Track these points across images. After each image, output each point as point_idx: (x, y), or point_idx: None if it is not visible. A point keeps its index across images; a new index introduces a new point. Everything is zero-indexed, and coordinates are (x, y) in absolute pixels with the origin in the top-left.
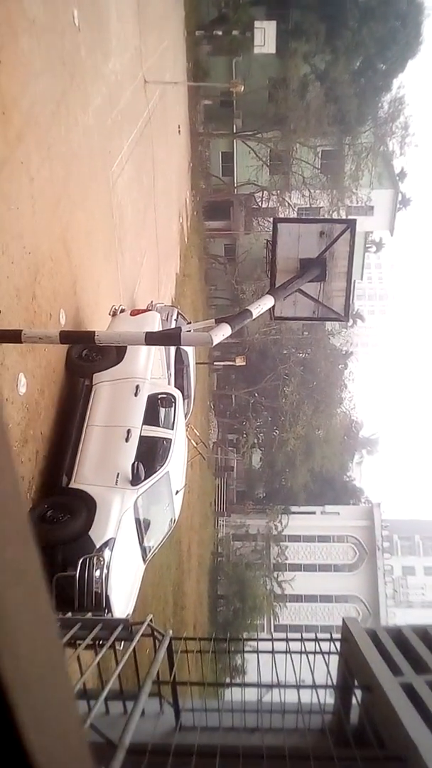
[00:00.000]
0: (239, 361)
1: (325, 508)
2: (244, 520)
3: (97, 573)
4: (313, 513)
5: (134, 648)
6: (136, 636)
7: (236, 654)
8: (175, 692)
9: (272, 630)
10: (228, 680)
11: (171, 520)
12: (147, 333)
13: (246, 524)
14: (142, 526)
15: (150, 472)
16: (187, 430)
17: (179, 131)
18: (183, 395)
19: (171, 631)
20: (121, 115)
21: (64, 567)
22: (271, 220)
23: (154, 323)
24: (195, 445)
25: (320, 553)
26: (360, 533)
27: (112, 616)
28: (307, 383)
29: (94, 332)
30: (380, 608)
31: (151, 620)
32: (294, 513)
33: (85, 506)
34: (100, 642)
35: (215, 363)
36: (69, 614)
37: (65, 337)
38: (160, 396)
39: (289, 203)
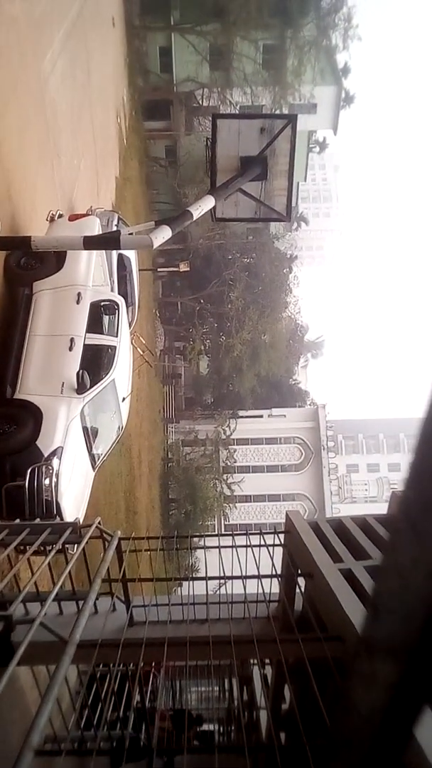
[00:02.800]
0: (183, 267)
1: (272, 412)
2: (193, 426)
3: (47, 481)
4: (260, 417)
5: (84, 550)
6: (84, 537)
7: (186, 552)
8: (126, 589)
9: (222, 529)
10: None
11: (119, 427)
12: (85, 237)
13: (195, 430)
14: (90, 434)
15: (95, 380)
16: (132, 338)
17: (113, 24)
18: (127, 302)
19: (119, 532)
20: (50, 5)
21: (14, 477)
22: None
23: (94, 228)
24: (141, 353)
25: (268, 454)
26: (306, 434)
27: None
28: (252, 288)
29: (30, 237)
30: (325, 505)
31: (99, 523)
32: (242, 417)
33: (31, 416)
34: (51, 547)
35: (159, 270)
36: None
37: (0, 243)
38: (102, 303)
39: (230, 101)
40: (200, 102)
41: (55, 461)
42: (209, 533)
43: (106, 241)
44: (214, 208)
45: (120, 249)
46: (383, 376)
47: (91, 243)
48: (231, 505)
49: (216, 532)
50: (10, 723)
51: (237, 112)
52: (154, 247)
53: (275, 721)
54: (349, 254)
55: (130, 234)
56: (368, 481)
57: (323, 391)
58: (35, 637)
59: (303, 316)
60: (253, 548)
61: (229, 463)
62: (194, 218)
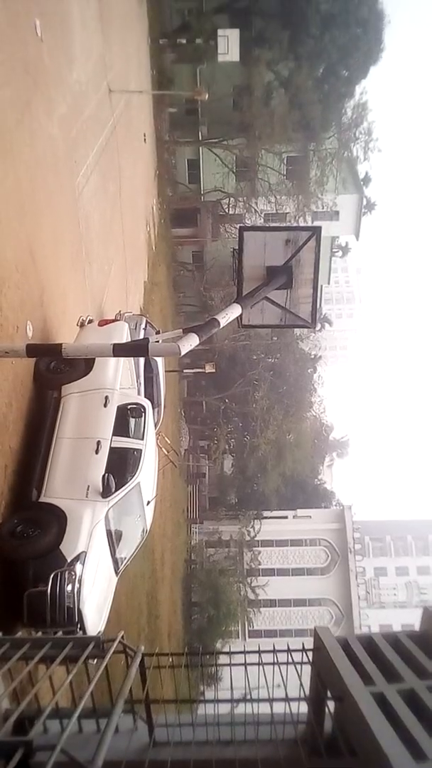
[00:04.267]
0: (209, 368)
1: (297, 512)
2: (216, 526)
3: (69, 588)
4: (285, 517)
5: (106, 665)
6: (107, 654)
7: (210, 667)
8: (148, 708)
9: (246, 635)
10: (202, 690)
11: (143, 530)
12: (114, 345)
13: (219, 530)
14: (114, 538)
15: (121, 483)
16: (157, 438)
17: (145, 139)
18: (153, 404)
19: (143, 647)
20: (86, 124)
21: (35, 583)
22: (237, 226)
23: (123, 333)
24: (166, 453)
25: (293, 557)
26: (332, 536)
27: (84, 630)
28: (276, 388)
29: (61, 345)
30: (353, 610)
31: (122, 637)
32: (266, 518)
33: (55, 520)
34: (73, 660)
35: (185, 370)
36: (40, 633)
37: (32, 350)
38: (129, 406)
39: (255, 209)
40: (226, 210)
41: (78, 567)
42: (234, 646)
43: (135, 349)
44: (241, 315)
45: (148, 356)
46: (410, 477)
47: (120, 350)
48: (255, 609)
49: (240, 638)
50: None
51: (262, 219)
52: (182, 354)
53: None
54: (373, 353)
55: (158, 341)
56: (397, 585)
57: (349, 492)
58: (56, 759)
59: (328, 415)
60: (281, 666)
61: (253, 566)
62: (221, 326)
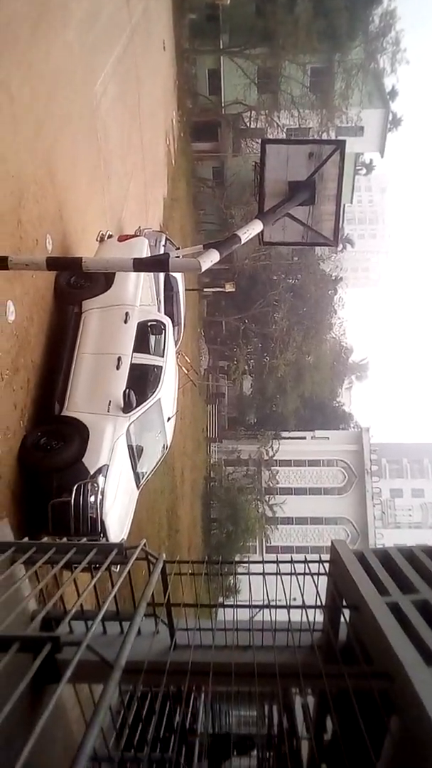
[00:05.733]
0: (229, 287)
1: (315, 434)
2: (235, 445)
3: (92, 499)
4: (304, 438)
5: (129, 571)
6: (130, 559)
7: (229, 576)
8: (169, 613)
9: (264, 551)
10: (221, 601)
11: (163, 446)
12: (135, 259)
13: (238, 449)
14: (135, 453)
15: (141, 399)
16: (177, 357)
17: (164, 48)
18: (173, 322)
19: (164, 555)
20: (103, 30)
21: (59, 493)
22: (259, 141)
23: (143, 249)
24: (186, 372)
25: (310, 477)
26: (349, 457)
27: (107, 540)
28: (296, 309)
29: (81, 258)
30: (369, 529)
31: (144, 544)
32: (284, 438)
33: (78, 434)
34: (96, 566)
35: (205, 289)
36: (65, 539)
37: (52, 263)
38: (150, 323)
39: (277, 123)
40: (248, 124)
41: (100, 479)
42: (253, 559)
43: (156, 264)
44: (262, 232)
45: (168, 271)
46: (429, 400)
47: (140, 265)
48: (272, 526)
49: (258, 553)
50: (52, 741)
51: (284, 134)
52: (202, 270)
53: (317, 751)
54: (395, 276)
55: (178, 257)
56: (412, 506)
57: (367, 414)
58: (81, 657)
59: (348, 337)
60: (298, 576)
61: (271, 484)
62: (242, 242)
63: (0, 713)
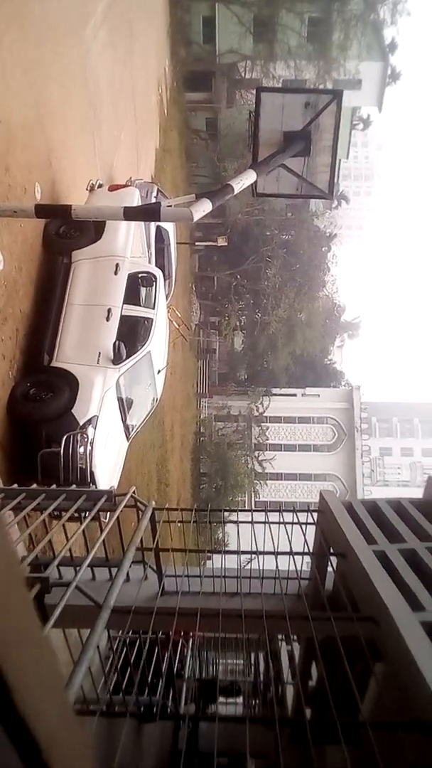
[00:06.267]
0: (221, 242)
1: (306, 391)
2: (226, 401)
3: (81, 449)
4: (294, 395)
5: (118, 518)
6: (119, 506)
7: (217, 526)
8: (158, 558)
9: (253, 506)
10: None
11: (153, 399)
12: (126, 208)
13: (228, 405)
14: (125, 405)
15: (131, 351)
16: (168, 311)
17: None
18: (164, 275)
19: (154, 502)
20: None
21: (49, 444)
22: (254, 92)
23: (133, 200)
24: (177, 326)
25: (300, 433)
26: (339, 415)
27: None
28: (289, 266)
29: (70, 206)
30: (357, 487)
31: (134, 492)
32: (275, 395)
33: (67, 385)
34: (86, 514)
35: (197, 243)
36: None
37: (40, 210)
38: (140, 275)
39: (273, 74)
40: (242, 74)
41: (90, 430)
42: (242, 508)
43: (147, 213)
44: (255, 183)
45: (160, 221)
46: (420, 360)
47: (131, 214)
48: (262, 482)
49: (248, 508)
50: None
51: (280, 85)
52: (194, 220)
53: (302, 695)
54: (390, 235)
55: (170, 206)
56: (401, 465)
57: (358, 373)
58: (70, 600)
59: (340, 295)
60: (286, 525)
61: (261, 441)
62: (235, 192)
63: None
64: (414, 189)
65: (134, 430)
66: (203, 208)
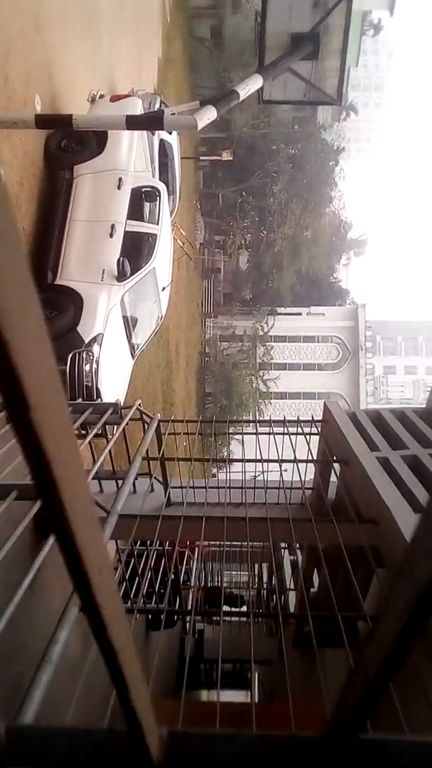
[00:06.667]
0: (226, 156)
1: (311, 310)
2: (230, 321)
3: (87, 367)
4: (299, 314)
5: (125, 433)
6: (125, 418)
7: (222, 444)
8: (164, 469)
9: (257, 425)
10: (214, 472)
11: (158, 317)
12: (128, 116)
13: (233, 325)
14: (130, 323)
15: (136, 268)
16: (173, 229)
17: None
18: (168, 191)
19: (159, 415)
20: None
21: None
22: None
23: (136, 110)
24: (181, 245)
25: (305, 352)
26: (344, 333)
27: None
28: (296, 181)
29: (71, 116)
30: (360, 405)
31: (139, 404)
32: (280, 314)
33: (71, 302)
34: (93, 426)
35: (201, 158)
36: None
37: (41, 121)
38: (144, 189)
39: None
40: None
41: (95, 348)
42: (246, 419)
43: (150, 121)
44: (262, 89)
45: (163, 129)
46: (426, 278)
47: (134, 123)
48: (266, 401)
49: (251, 427)
50: (52, 593)
51: None
52: (199, 128)
53: (305, 600)
54: (399, 148)
55: (173, 114)
56: (405, 383)
57: (364, 291)
58: None
59: (347, 212)
60: (291, 436)
61: (265, 360)
62: (241, 98)
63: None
64: (426, 100)
65: (139, 348)
66: (208, 116)
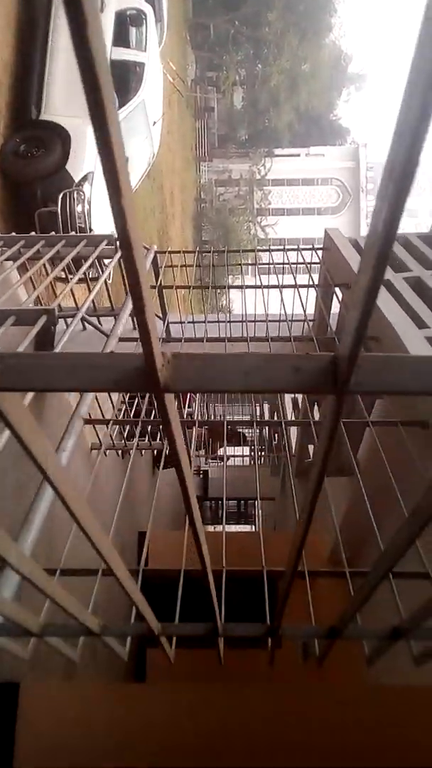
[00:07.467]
0: None
1: (310, 150)
2: (226, 164)
3: (79, 208)
4: (298, 155)
5: (121, 264)
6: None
7: (222, 293)
8: (162, 300)
9: (257, 272)
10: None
11: (151, 154)
12: None
13: (228, 169)
14: None
15: (124, 100)
16: (163, 65)
17: None
18: (155, 16)
19: (156, 246)
20: None
21: (45, 203)
22: None
23: None
24: (171, 80)
25: (304, 196)
26: (344, 175)
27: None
28: (293, 7)
29: None
30: None
31: None
32: (278, 156)
33: (59, 139)
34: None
35: None
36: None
37: None
38: (128, 11)
39: None
40: None
41: (86, 187)
42: (246, 248)
43: None
44: None
45: None
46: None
47: None
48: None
49: (250, 275)
50: (61, 429)
51: None
52: None
53: (305, 436)
54: None
55: None
56: (406, 228)
57: (365, 130)
58: (78, 338)
59: (348, 43)
60: (291, 266)
61: (263, 205)
62: None
63: None
64: None
65: (133, 187)
66: None
